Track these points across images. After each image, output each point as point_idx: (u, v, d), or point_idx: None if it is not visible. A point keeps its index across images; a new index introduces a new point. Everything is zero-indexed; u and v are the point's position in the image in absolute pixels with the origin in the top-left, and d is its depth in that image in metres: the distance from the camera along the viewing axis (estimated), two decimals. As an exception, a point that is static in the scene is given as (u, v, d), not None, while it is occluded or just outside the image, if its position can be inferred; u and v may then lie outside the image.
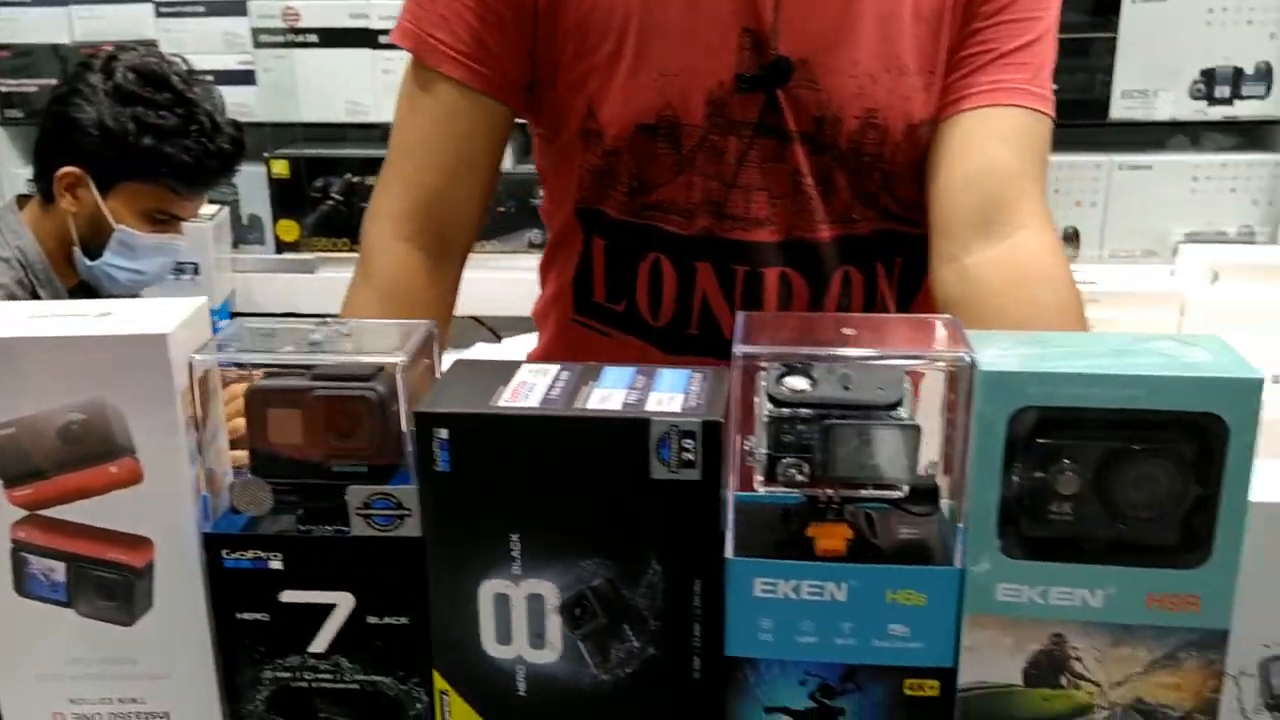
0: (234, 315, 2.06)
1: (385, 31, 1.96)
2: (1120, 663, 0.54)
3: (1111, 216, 2.00)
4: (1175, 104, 1.94)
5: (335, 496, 0.59)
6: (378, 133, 2.15)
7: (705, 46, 0.91)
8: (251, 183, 2.07)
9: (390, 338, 0.61)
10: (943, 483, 0.57)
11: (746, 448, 0.57)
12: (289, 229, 2.12)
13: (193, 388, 0.58)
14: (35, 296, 1.51)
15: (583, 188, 0.98)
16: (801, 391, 0.55)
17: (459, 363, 0.61)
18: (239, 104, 1.95)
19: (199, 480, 0.59)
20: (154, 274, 1.60)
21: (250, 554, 0.59)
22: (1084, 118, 1.96)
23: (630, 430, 0.54)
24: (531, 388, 0.57)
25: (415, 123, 0.97)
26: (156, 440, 0.59)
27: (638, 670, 0.58)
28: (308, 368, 0.59)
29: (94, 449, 0.59)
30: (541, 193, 1.08)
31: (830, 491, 0.57)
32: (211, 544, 0.59)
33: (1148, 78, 1.93)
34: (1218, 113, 1.93)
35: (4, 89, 2.17)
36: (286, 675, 0.61)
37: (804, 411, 0.55)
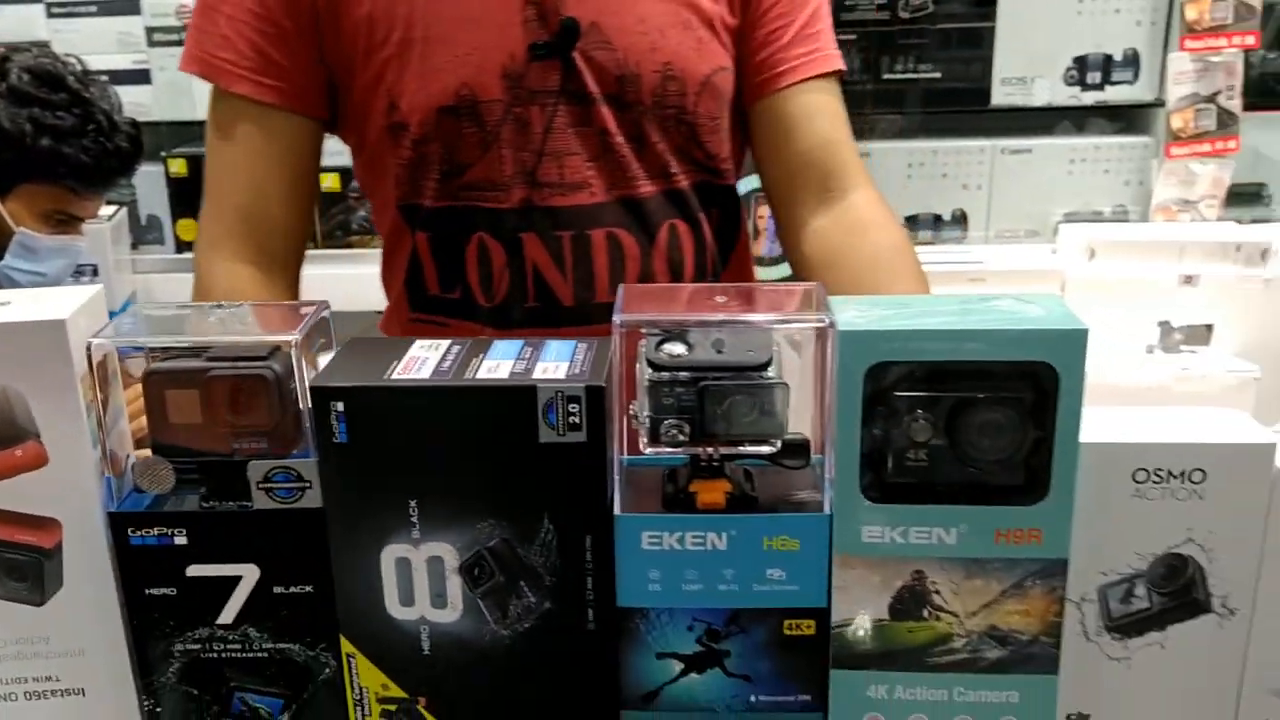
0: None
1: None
2: (974, 594, 0.59)
3: (996, 199, 2.09)
4: (1051, 90, 2.04)
5: (236, 473, 0.61)
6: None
7: (491, 23, 0.94)
8: (149, 182, 2.05)
9: (285, 318, 0.63)
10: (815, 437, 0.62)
11: (631, 412, 0.61)
12: (190, 228, 2.10)
13: (92, 371, 0.60)
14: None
15: (400, 185, 1.00)
16: (678, 356, 0.59)
17: (353, 340, 0.64)
18: (135, 103, 1.93)
19: (103, 461, 0.61)
20: (55, 275, 1.58)
21: (156, 531, 0.61)
22: (967, 105, 2.04)
23: (518, 397, 0.58)
24: (423, 361, 0.60)
25: (220, 147, 1.00)
26: (59, 424, 0.60)
27: (535, 624, 0.61)
28: (204, 349, 0.62)
29: (-2, 434, 0.60)
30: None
31: (710, 450, 0.61)
32: (117, 522, 0.61)
33: (1025, 65, 2.02)
34: (1090, 98, 2.04)
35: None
36: (196, 647, 0.63)
37: (682, 375, 0.59)
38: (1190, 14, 1.94)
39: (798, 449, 0.61)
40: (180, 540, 0.61)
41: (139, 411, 0.64)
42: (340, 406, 0.58)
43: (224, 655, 0.63)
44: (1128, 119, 2.15)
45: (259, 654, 0.63)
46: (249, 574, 0.62)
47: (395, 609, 0.61)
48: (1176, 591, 0.60)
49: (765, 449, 0.61)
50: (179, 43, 2.04)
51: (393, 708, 0.63)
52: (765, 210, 1.96)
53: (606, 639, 0.62)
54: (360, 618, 0.62)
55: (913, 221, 2.11)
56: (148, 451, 0.62)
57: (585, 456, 0.58)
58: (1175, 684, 0.62)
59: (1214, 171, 1.99)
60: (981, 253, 2.03)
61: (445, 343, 0.62)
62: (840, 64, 1.04)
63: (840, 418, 0.57)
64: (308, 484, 0.60)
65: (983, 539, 0.58)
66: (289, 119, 0.99)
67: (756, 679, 0.62)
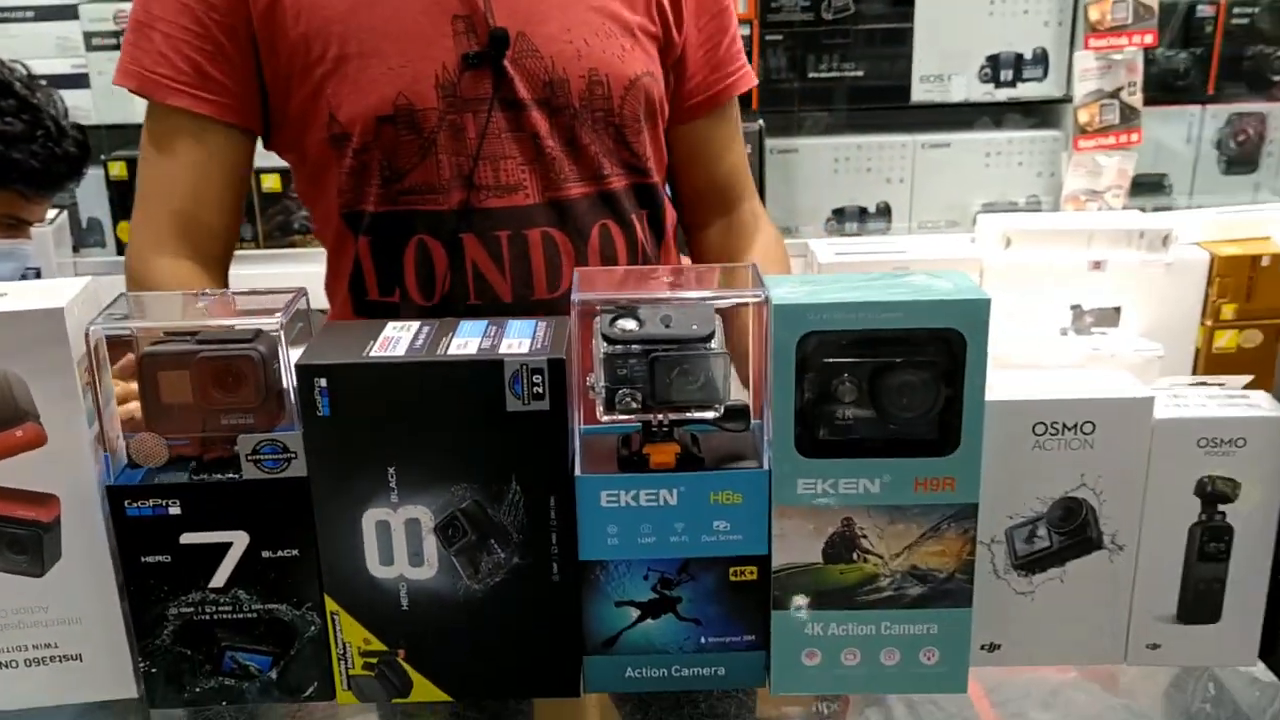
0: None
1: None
2: (897, 537, 0.66)
3: (918, 191, 2.18)
4: (967, 87, 2.14)
5: (225, 446, 0.66)
6: (217, 132, 2.16)
7: (420, 37, 1.00)
8: (89, 186, 2.05)
9: (268, 304, 0.69)
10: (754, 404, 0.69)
11: (589, 383, 0.67)
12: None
13: (90, 355, 0.65)
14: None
15: (342, 193, 1.05)
16: (630, 331, 0.66)
17: (331, 323, 0.70)
18: (74, 107, 1.91)
19: (101, 439, 0.66)
20: (3, 278, 1.59)
21: (151, 502, 0.66)
22: (889, 102, 2.14)
23: (486, 370, 0.64)
24: (398, 340, 0.66)
25: (156, 158, 1.04)
26: (57, 405, 0.65)
27: (505, 578, 0.67)
28: (194, 333, 0.67)
29: (0, 416, 0.64)
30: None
31: (660, 416, 0.68)
32: (114, 495, 0.66)
33: (942, 64, 2.12)
34: (1004, 94, 2.14)
35: None
36: (190, 610, 0.68)
37: (634, 348, 0.66)
38: (1093, 15, 2.05)
39: (738, 413, 0.68)
40: (174, 510, 0.66)
41: (126, 395, 0.68)
42: (323, 382, 0.63)
43: (216, 617, 0.68)
44: (1040, 114, 2.27)
45: (249, 615, 0.68)
46: (239, 540, 0.67)
47: (376, 568, 0.67)
48: (1073, 531, 0.68)
49: (710, 414, 0.67)
50: (117, 47, 2.05)
51: (374, 660, 0.69)
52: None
53: (570, 590, 0.68)
54: (343, 577, 0.67)
55: (840, 214, 2.20)
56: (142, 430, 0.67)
57: (548, 423, 0.65)
58: (1074, 613, 0.70)
59: (1119, 163, 2.11)
60: (905, 243, 2.12)
61: (416, 324, 0.68)
62: (753, 80, 1.18)
63: (776, 383, 0.64)
64: (293, 455, 0.66)
65: (903, 488, 0.65)
66: (225, 131, 1.04)
67: (706, 622, 0.69)
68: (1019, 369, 0.70)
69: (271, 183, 2.11)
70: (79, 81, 2.05)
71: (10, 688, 0.69)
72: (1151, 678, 0.93)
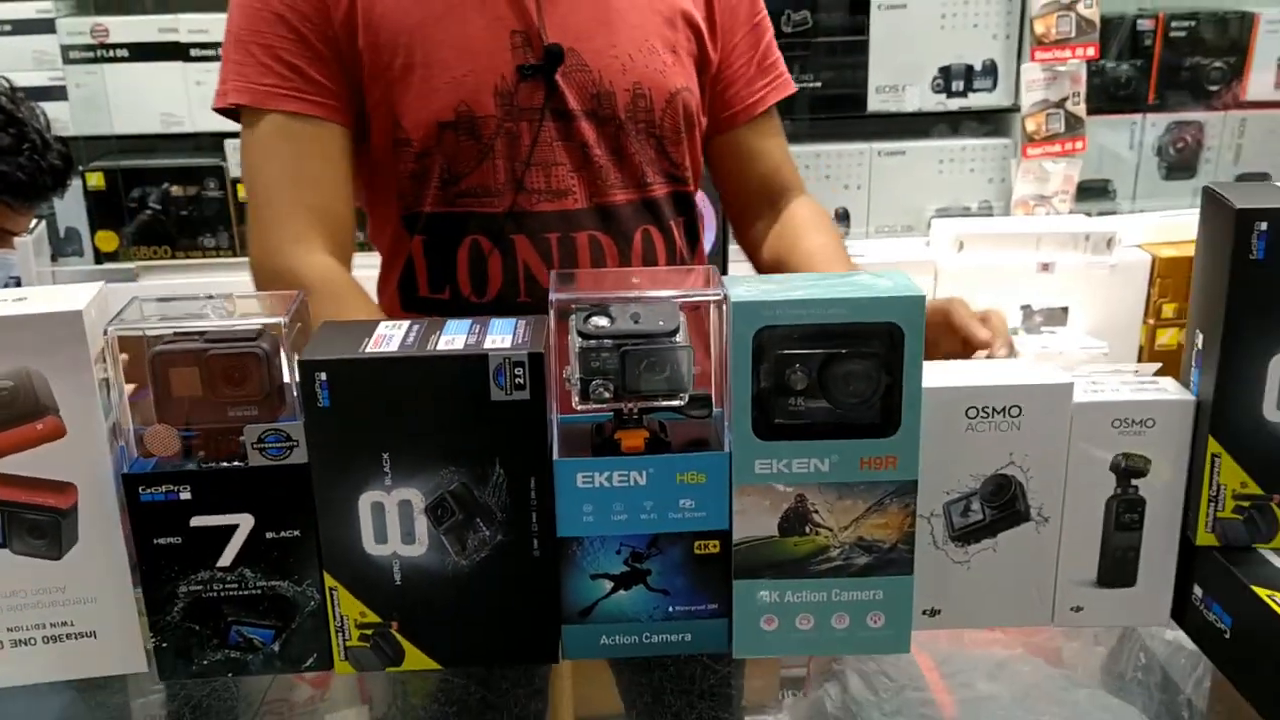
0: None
1: (196, 45, 2.04)
2: (845, 511, 0.73)
3: (874, 197, 2.27)
4: (921, 97, 2.23)
5: (232, 436, 0.72)
6: (192, 143, 2.21)
7: (482, 50, 1.07)
8: (67, 196, 2.08)
9: (270, 305, 0.75)
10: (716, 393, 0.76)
11: (565, 375, 0.74)
12: (108, 239, 2.16)
13: (108, 355, 0.70)
14: None
15: (403, 196, 1.12)
16: (602, 327, 0.72)
17: (327, 323, 0.76)
18: (52, 119, 1.97)
19: (120, 431, 0.72)
20: (-13, 287, 1.64)
21: (163, 488, 0.72)
22: (846, 111, 2.22)
23: (472, 364, 0.70)
24: (390, 338, 0.72)
25: (275, 163, 1.08)
26: (75, 400, 0.70)
27: (490, 554, 0.73)
28: (202, 333, 0.72)
29: (22, 411, 0.70)
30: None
31: (630, 405, 0.74)
32: (130, 482, 0.71)
33: (896, 75, 2.21)
34: (955, 104, 2.23)
35: None
36: (199, 588, 0.74)
37: (606, 342, 0.72)
38: (1039, 28, 2.14)
39: (702, 402, 0.75)
40: (185, 495, 0.72)
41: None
42: (323, 376, 0.69)
43: (223, 594, 0.74)
44: (992, 123, 2.36)
45: (253, 591, 0.74)
46: (244, 522, 0.73)
47: (371, 546, 0.73)
48: (1003, 505, 0.76)
49: (676, 402, 0.74)
50: (94, 59, 2.10)
51: (369, 632, 0.75)
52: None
53: (549, 564, 0.74)
54: (341, 555, 0.73)
55: (800, 220, 2.28)
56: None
57: (529, 412, 0.71)
58: (1006, 580, 0.77)
59: (1065, 169, 2.20)
60: (863, 247, 2.21)
61: (406, 323, 0.74)
62: (793, 86, 1.25)
63: (734, 373, 0.71)
64: (295, 443, 0.71)
65: (850, 467, 0.72)
66: (333, 129, 1.09)
67: (674, 592, 0.75)
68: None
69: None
70: (56, 94, 2.09)
71: (29, 663, 0.75)
72: (1090, 650, 1.01)
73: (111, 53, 2.08)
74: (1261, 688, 0.70)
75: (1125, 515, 0.75)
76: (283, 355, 0.72)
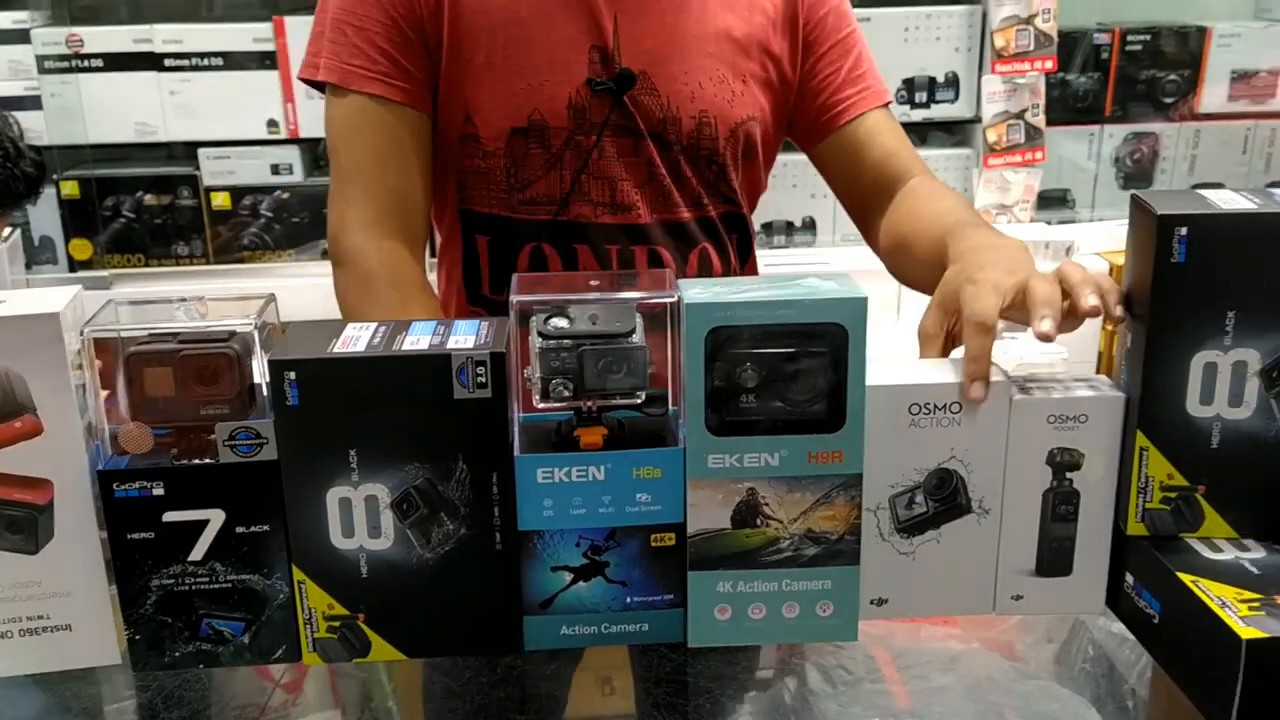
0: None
1: (170, 55, 2.05)
2: (794, 504, 0.77)
3: (840, 206, 2.30)
4: (885, 108, 2.27)
5: (204, 434, 0.75)
6: (165, 152, 2.23)
7: (562, 60, 1.10)
8: (41, 204, 2.09)
9: (240, 308, 0.77)
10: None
11: (526, 375, 0.77)
12: (82, 248, 2.17)
13: (84, 355, 0.73)
14: None
15: (463, 187, 1.15)
16: (562, 328, 0.76)
17: (296, 324, 0.78)
18: (26, 128, 1.98)
19: (94, 429, 0.74)
20: (-40, 294, 1.65)
21: (137, 484, 0.74)
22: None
23: (436, 363, 0.73)
24: (357, 339, 0.75)
25: (358, 143, 1.10)
26: (52, 399, 0.73)
27: (454, 548, 0.76)
28: (175, 334, 0.75)
29: (0, 409, 0.72)
30: None
31: (589, 403, 0.77)
32: (104, 478, 0.74)
33: (861, 86, 2.25)
34: (919, 115, 2.28)
35: None
36: (171, 581, 0.76)
37: (565, 342, 0.75)
38: (999, 41, 2.19)
39: (658, 400, 0.78)
40: (158, 491, 0.74)
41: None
42: (292, 375, 0.72)
43: (194, 587, 0.76)
44: (958, 134, 2.41)
45: (224, 584, 0.77)
46: (215, 517, 0.75)
47: (338, 540, 0.76)
48: (946, 498, 0.79)
49: (634, 400, 0.77)
50: (69, 69, 2.11)
51: (337, 624, 0.78)
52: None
53: (511, 557, 0.77)
54: (309, 550, 0.76)
55: (768, 229, 2.32)
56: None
57: (491, 409, 0.74)
58: (949, 570, 0.81)
59: (1025, 179, 2.25)
60: (829, 255, 2.25)
61: (373, 325, 0.77)
62: (887, 96, 1.22)
63: (688, 371, 0.74)
64: (265, 440, 0.74)
65: (799, 461, 0.76)
66: (416, 115, 1.11)
67: (631, 584, 0.79)
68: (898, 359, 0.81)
69: (221, 200, 2.18)
70: (31, 103, 2.10)
71: (6, 656, 0.77)
72: (1041, 644, 1.05)
73: (86, 63, 2.10)
74: (1188, 669, 0.74)
75: (1061, 507, 0.79)
76: (254, 356, 0.75)
